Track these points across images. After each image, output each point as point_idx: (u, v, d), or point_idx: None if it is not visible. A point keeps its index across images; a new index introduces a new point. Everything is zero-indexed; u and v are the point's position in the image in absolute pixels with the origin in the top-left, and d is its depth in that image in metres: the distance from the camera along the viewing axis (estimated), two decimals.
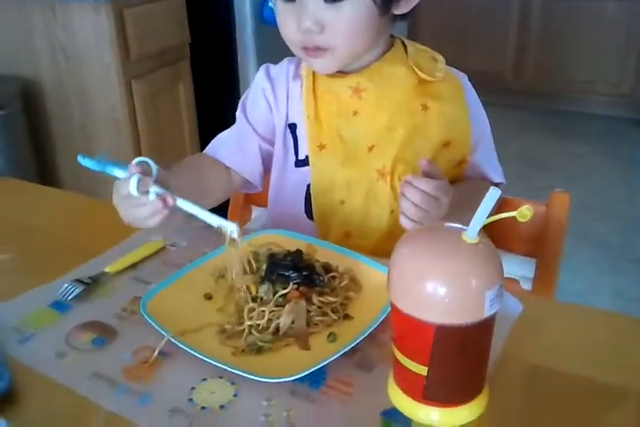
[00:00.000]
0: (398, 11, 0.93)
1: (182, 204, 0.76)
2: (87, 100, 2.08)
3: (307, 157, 1.01)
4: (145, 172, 0.77)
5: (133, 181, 0.74)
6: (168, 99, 2.20)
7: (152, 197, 0.75)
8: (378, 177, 0.98)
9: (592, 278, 2.39)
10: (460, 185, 0.99)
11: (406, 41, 0.99)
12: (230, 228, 0.75)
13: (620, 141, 3.70)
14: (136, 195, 0.75)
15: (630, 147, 3.69)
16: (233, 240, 0.76)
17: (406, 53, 0.98)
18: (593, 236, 2.66)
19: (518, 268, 1.11)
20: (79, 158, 0.83)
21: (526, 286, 1.10)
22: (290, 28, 0.91)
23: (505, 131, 3.78)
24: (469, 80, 1.02)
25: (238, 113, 1.05)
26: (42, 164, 2.23)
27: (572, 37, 3.97)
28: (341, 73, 0.97)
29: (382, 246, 0.95)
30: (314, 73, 0.99)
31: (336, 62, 0.94)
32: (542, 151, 3.55)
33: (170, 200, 0.75)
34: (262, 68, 1.06)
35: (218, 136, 1.06)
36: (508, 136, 3.72)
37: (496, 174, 1.05)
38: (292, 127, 1.02)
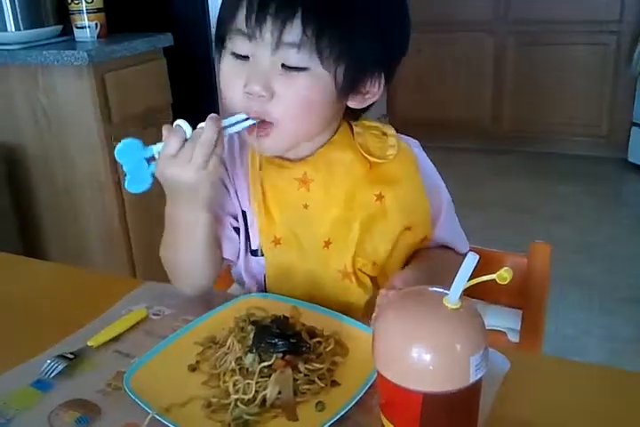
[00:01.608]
0: (353, 104, 0.88)
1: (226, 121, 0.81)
2: (71, 163, 2.10)
3: (260, 248, 0.94)
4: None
5: (183, 122, 0.79)
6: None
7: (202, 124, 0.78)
8: (342, 277, 0.93)
9: (581, 321, 2.39)
10: (426, 263, 0.94)
11: (353, 122, 0.93)
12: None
13: (602, 181, 3.76)
14: (190, 132, 0.79)
15: (612, 186, 3.75)
16: None
17: (353, 135, 0.92)
18: (580, 277, 2.67)
19: (504, 320, 1.11)
20: (119, 148, 0.79)
21: (513, 337, 1.10)
22: (235, 89, 0.82)
23: (486, 175, 3.84)
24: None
25: None
26: (26, 230, 2.22)
27: (546, 81, 4.07)
28: (286, 160, 0.92)
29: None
30: (260, 161, 0.92)
31: (280, 141, 0.86)
32: (524, 194, 3.60)
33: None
34: None
35: None
36: (489, 180, 3.77)
37: (460, 244, 1.00)
38: (243, 213, 0.96)
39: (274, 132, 0.84)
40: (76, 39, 2.18)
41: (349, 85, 0.84)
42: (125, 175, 0.80)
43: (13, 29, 2.10)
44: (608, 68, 3.93)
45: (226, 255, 0.96)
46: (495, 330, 1.10)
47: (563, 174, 3.85)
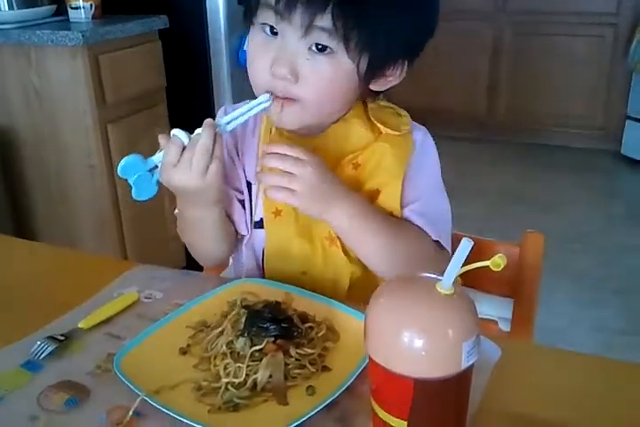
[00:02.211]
0: (375, 87, 0.90)
1: (225, 119, 0.84)
2: (62, 145, 2.08)
3: (261, 219, 0.97)
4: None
5: (178, 131, 0.81)
6: (145, 143, 2.20)
7: (198, 131, 0.80)
8: (329, 243, 0.94)
9: (573, 312, 2.40)
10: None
11: (368, 99, 0.94)
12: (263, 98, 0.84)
13: (596, 173, 3.77)
14: (187, 140, 0.81)
15: (606, 178, 3.76)
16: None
17: (366, 111, 0.93)
18: (572, 268, 2.68)
19: (496, 309, 1.11)
20: (122, 166, 0.82)
21: (505, 326, 1.10)
22: (261, 67, 0.84)
23: (481, 165, 3.84)
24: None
25: None
26: (16, 211, 2.21)
27: (543, 73, 4.07)
28: (298, 135, 0.93)
29: (351, 300, 0.90)
30: (269, 131, 0.94)
31: (302, 117, 0.87)
32: (518, 184, 3.60)
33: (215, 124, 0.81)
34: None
35: None
36: (482, 170, 3.77)
37: (432, 230, 0.93)
38: (248, 185, 0.99)
39: (297, 107, 0.86)
40: (71, 20, 2.16)
41: (372, 73, 0.87)
42: (131, 188, 0.83)
43: (7, 8, 2.08)
44: (604, 60, 3.93)
45: (242, 231, 1.00)
46: (487, 319, 1.10)
47: (556, 166, 3.86)
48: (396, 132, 0.92)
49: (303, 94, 0.84)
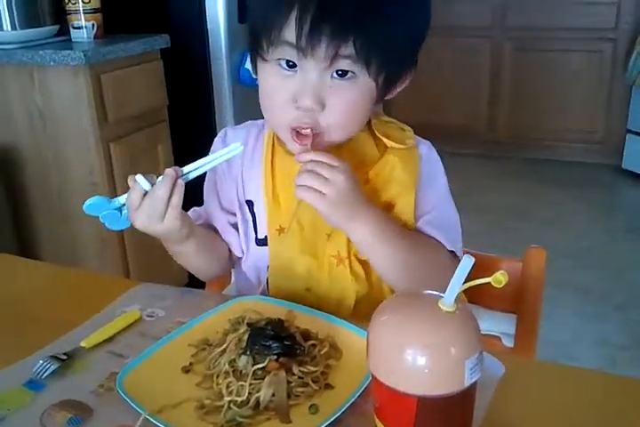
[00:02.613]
0: (388, 96, 0.91)
1: (188, 167, 0.86)
2: (65, 164, 2.09)
3: (266, 236, 0.97)
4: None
5: (140, 178, 0.82)
6: (147, 161, 2.21)
7: (160, 178, 0.82)
8: (337, 262, 0.95)
9: (576, 327, 2.39)
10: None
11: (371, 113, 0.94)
12: (234, 146, 0.86)
13: (597, 187, 3.77)
14: (147, 187, 0.83)
15: (607, 192, 3.76)
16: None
17: (370, 126, 0.94)
18: (574, 283, 2.67)
19: (499, 324, 1.11)
20: (86, 206, 0.86)
21: (508, 342, 1.10)
22: (282, 100, 0.83)
23: (481, 181, 3.84)
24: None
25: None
26: (19, 229, 2.21)
27: (542, 88, 4.09)
28: None
29: (356, 317, 0.90)
30: (273, 148, 0.95)
31: (326, 145, 0.87)
32: (519, 199, 3.60)
33: (178, 170, 0.84)
34: (220, 134, 1.02)
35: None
36: (483, 186, 3.77)
37: (446, 240, 0.94)
38: (250, 204, 0.99)
39: (323, 137, 0.86)
40: (73, 39, 2.18)
41: (389, 88, 0.89)
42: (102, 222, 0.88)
43: (10, 29, 2.09)
44: (604, 75, 3.95)
45: (237, 253, 1.02)
46: (490, 335, 1.10)
47: (557, 180, 3.86)
48: (402, 146, 0.93)
49: (331, 121, 0.84)
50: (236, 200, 1.00)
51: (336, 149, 0.92)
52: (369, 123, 0.95)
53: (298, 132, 0.85)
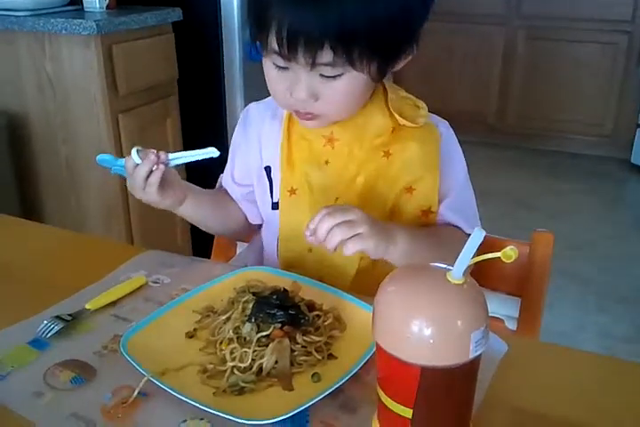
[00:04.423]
0: (392, 70, 0.92)
1: (174, 155, 0.92)
2: (73, 134, 2.08)
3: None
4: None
5: (133, 151, 0.89)
6: (155, 133, 2.21)
7: (137, 154, 0.89)
8: None
9: (578, 318, 2.40)
10: (427, 227, 0.98)
11: (388, 86, 0.97)
12: (212, 150, 0.91)
13: (604, 180, 3.76)
14: (138, 161, 0.89)
15: (614, 186, 3.74)
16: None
17: (386, 100, 0.96)
18: (579, 275, 2.67)
19: (503, 307, 1.11)
20: (98, 158, 0.94)
21: (511, 325, 1.10)
22: (281, 91, 0.89)
23: (488, 169, 3.82)
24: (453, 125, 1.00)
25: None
26: (25, 198, 2.21)
27: (554, 79, 4.06)
28: None
29: (355, 287, 0.93)
30: (291, 116, 0.98)
31: (329, 122, 0.93)
32: (525, 189, 3.59)
33: (162, 155, 0.90)
34: (244, 110, 1.07)
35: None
36: (490, 174, 3.75)
37: (467, 225, 0.98)
38: (267, 170, 1.02)
39: (321, 118, 0.91)
40: (85, 9, 2.15)
41: (384, 71, 0.89)
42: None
43: None
44: (617, 67, 3.91)
45: (254, 221, 1.08)
46: (493, 317, 1.10)
47: (564, 172, 3.85)
48: (412, 125, 0.94)
49: (325, 110, 0.89)
50: (255, 167, 1.03)
51: (342, 123, 0.94)
52: (385, 96, 0.95)
53: (299, 111, 0.91)
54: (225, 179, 1.09)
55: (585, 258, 2.82)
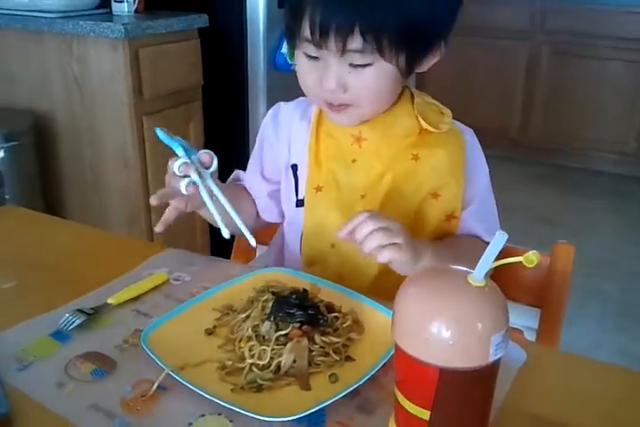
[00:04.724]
0: (419, 70, 0.94)
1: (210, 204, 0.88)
2: (98, 135, 2.11)
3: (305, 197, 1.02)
4: (205, 163, 0.90)
5: (177, 163, 0.86)
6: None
7: (183, 189, 0.86)
8: None
9: (596, 335, 2.37)
10: (447, 238, 0.99)
11: (415, 91, 0.99)
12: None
13: (626, 199, 3.72)
14: (179, 173, 0.87)
15: (637, 205, 3.70)
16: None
17: (413, 104, 0.97)
18: (598, 292, 2.64)
19: (522, 318, 1.10)
20: (156, 129, 0.91)
21: (530, 336, 1.09)
22: (312, 82, 0.91)
23: (509, 184, 3.80)
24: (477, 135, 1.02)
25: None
26: (50, 198, 2.24)
27: (578, 95, 4.04)
28: None
29: (375, 288, 0.94)
30: (319, 115, 1.00)
31: (360, 116, 0.95)
32: (547, 205, 3.57)
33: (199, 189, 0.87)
34: (273, 108, 1.08)
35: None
36: (512, 189, 3.73)
37: (488, 235, 0.99)
38: (294, 168, 1.04)
39: (352, 109, 0.92)
40: (114, 13, 2.18)
41: (412, 65, 0.91)
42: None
43: None
44: None
45: (274, 220, 1.09)
46: (512, 328, 1.09)
47: (586, 189, 3.81)
48: (434, 130, 0.95)
49: (354, 101, 0.91)
50: (282, 164, 1.04)
51: (370, 122, 0.96)
52: (412, 99, 0.97)
53: (331, 103, 0.92)
54: (249, 175, 1.10)
55: (605, 276, 2.79)
